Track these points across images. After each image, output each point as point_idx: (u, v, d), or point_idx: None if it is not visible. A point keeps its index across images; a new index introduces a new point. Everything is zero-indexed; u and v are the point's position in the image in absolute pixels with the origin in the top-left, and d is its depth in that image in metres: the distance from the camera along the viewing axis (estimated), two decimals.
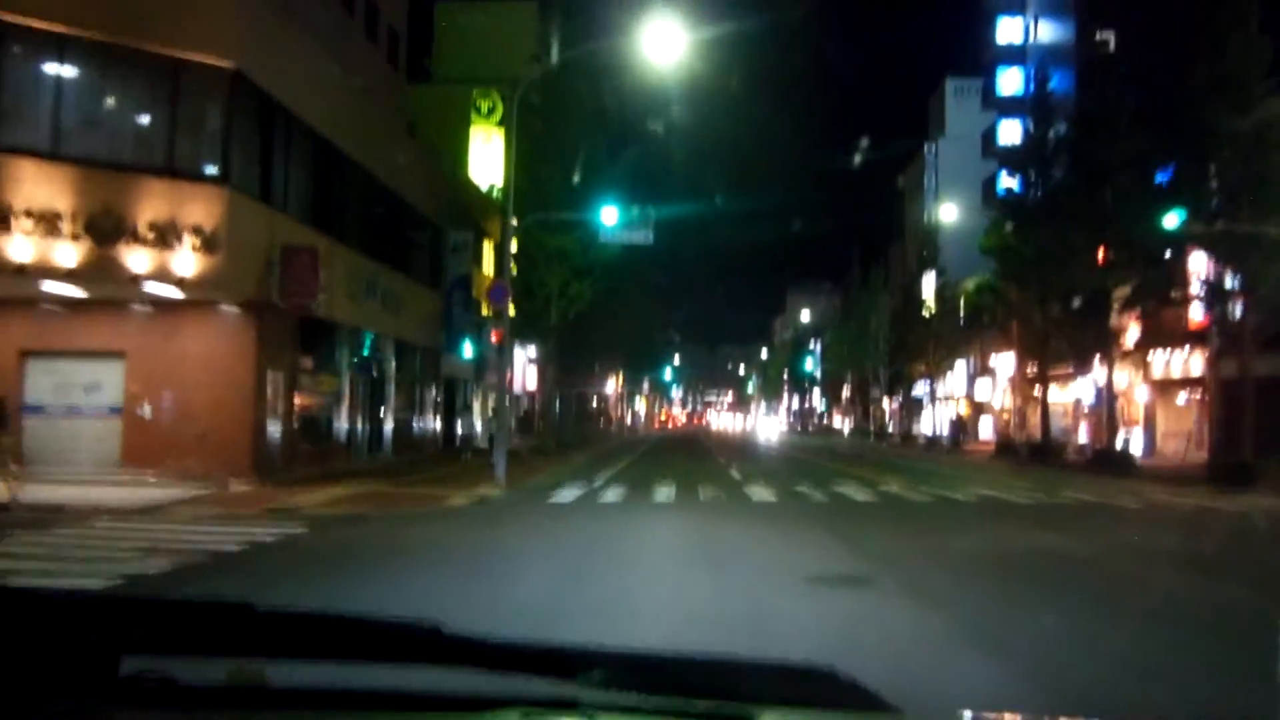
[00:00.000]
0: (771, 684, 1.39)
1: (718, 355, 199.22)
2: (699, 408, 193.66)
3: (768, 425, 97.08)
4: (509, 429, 19.39)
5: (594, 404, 66.39)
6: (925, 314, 48.49)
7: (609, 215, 19.33)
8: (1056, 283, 29.92)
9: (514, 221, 18.81)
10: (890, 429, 61.43)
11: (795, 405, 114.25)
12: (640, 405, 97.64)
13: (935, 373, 48.17)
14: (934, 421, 49.31)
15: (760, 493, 17.66)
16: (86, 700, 1.29)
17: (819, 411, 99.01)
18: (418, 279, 27.36)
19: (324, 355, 20.73)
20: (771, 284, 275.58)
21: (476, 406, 35.37)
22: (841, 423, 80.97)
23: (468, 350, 23.55)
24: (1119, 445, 31.01)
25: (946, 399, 50.88)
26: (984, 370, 51.77)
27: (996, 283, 32.24)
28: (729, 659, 1.41)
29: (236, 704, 1.37)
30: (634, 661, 1.38)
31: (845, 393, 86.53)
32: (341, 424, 21.16)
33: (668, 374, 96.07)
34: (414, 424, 27.18)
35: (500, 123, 34.62)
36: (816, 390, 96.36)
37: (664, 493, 17.46)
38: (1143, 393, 34.00)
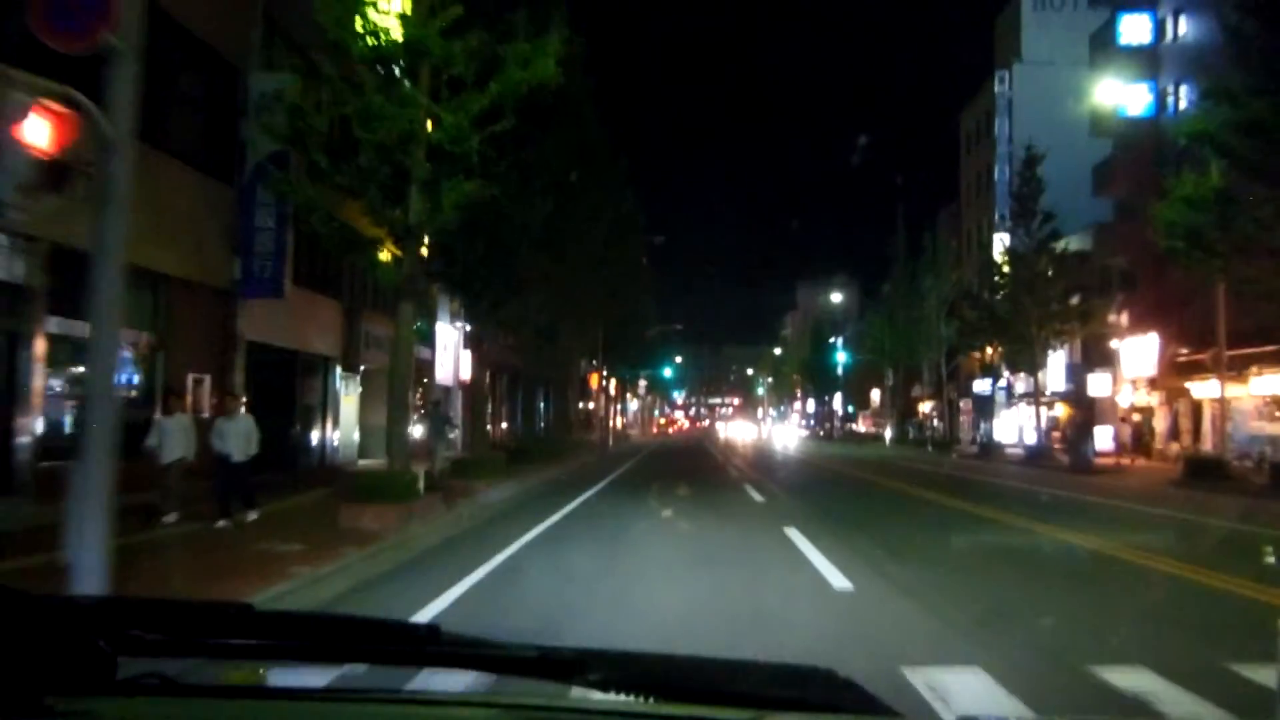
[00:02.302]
0: (770, 686, 1.33)
1: (722, 358, 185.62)
2: (702, 411, 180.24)
3: (786, 432, 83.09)
4: (110, 448, 5.69)
5: (585, 405, 52.89)
6: (1007, 280, 35.08)
7: None
8: None
9: None
10: (959, 436, 47.84)
11: (813, 408, 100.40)
12: (635, 407, 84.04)
13: (1039, 360, 34.59)
14: (1038, 427, 35.73)
15: None
16: (85, 701, 1.21)
17: (840, 415, 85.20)
18: (174, 154, 14.05)
19: None
20: (778, 280, 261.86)
21: (345, 404, 21.77)
22: (879, 428, 67.17)
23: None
24: None
25: (1037, 397, 36.99)
26: (1090, 359, 38.23)
27: (1219, 182, 18.68)
28: (728, 662, 1.37)
29: (234, 704, 1.33)
30: (632, 664, 1.35)
31: (877, 393, 72.76)
32: None
33: (667, 371, 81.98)
34: (148, 438, 13.65)
35: None
36: (838, 391, 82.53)
37: None
38: None
